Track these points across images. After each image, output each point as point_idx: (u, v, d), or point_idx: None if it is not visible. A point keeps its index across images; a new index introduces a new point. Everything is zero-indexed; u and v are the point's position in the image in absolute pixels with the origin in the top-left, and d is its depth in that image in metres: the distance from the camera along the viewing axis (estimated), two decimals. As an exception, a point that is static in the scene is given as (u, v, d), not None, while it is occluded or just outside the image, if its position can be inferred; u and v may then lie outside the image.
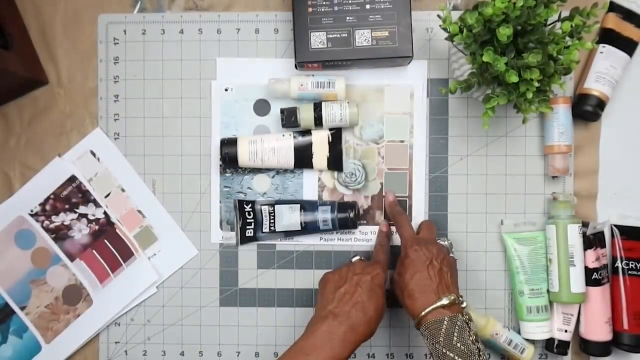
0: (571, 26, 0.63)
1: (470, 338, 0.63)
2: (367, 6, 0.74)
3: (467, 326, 0.63)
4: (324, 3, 0.74)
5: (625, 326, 0.75)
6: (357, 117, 0.77)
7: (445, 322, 0.63)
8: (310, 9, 0.74)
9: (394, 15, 0.74)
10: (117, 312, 0.79)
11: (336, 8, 0.74)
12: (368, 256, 0.79)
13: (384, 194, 0.79)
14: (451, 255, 0.73)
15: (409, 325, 0.80)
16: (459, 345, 0.62)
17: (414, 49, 0.74)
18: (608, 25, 0.77)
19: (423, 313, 0.65)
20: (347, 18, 0.74)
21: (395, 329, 0.80)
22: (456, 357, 0.61)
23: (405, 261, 0.69)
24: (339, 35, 0.73)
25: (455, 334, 0.62)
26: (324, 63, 0.75)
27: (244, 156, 0.76)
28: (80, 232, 0.80)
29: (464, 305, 0.66)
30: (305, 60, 0.74)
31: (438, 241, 0.72)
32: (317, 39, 0.73)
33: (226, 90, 0.80)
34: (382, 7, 0.74)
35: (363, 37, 0.74)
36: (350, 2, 0.74)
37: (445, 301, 0.64)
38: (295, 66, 0.77)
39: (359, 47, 0.74)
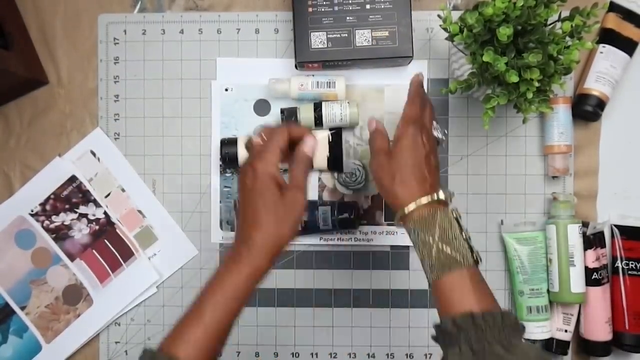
0: (571, 26, 0.63)
1: (463, 235, 0.57)
2: (367, 6, 0.74)
3: (458, 223, 0.58)
4: (324, 3, 0.74)
5: (626, 326, 0.75)
6: (357, 117, 0.77)
7: (438, 215, 0.57)
8: (310, 9, 0.74)
9: (394, 15, 0.74)
10: (117, 312, 0.79)
11: (336, 8, 0.74)
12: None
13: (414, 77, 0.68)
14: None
15: (409, 326, 0.80)
16: (453, 240, 0.56)
17: (414, 49, 0.74)
18: (608, 25, 0.77)
19: (414, 205, 0.58)
20: (347, 18, 0.74)
21: (395, 329, 0.80)
22: (452, 252, 0.55)
23: (403, 143, 0.61)
24: (339, 35, 0.74)
25: (450, 229, 0.57)
26: (324, 63, 0.75)
27: (244, 156, 0.76)
28: (81, 232, 0.80)
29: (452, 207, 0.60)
30: (305, 60, 0.74)
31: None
32: (317, 39, 0.74)
33: (226, 90, 0.80)
34: (382, 7, 0.74)
35: (363, 37, 0.74)
36: (350, 2, 0.74)
37: (442, 196, 0.59)
38: (296, 66, 0.77)
39: (359, 47, 0.74)
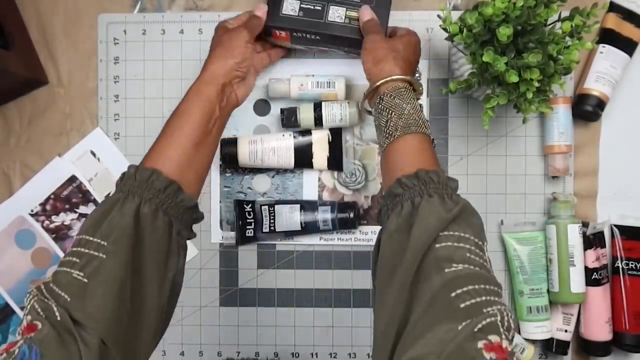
0: (571, 26, 0.63)
1: (427, 122, 0.60)
2: None
3: (420, 107, 0.62)
4: None
5: (626, 326, 0.75)
6: (357, 117, 0.77)
7: (412, 93, 0.61)
8: None
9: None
10: (117, 312, 0.79)
11: None
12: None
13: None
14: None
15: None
16: (421, 114, 0.60)
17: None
18: (608, 25, 0.77)
19: (399, 77, 0.61)
20: None
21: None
22: (420, 120, 0.58)
23: (409, 37, 0.67)
24: (312, 7, 0.71)
25: (420, 108, 0.60)
26: (293, 34, 0.72)
27: (244, 156, 0.76)
28: (81, 232, 0.80)
29: None
30: (274, 24, 0.71)
31: None
32: (290, 6, 0.71)
33: (226, 90, 0.80)
34: None
35: (336, 14, 0.71)
36: None
37: (418, 85, 0.63)
38: (265, 33, 0.73)
39: (330, 22, 0.71)
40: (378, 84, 0.62)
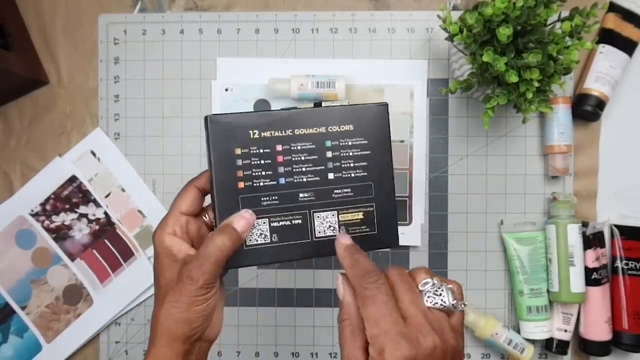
0: (571, 26, 0.63)
1: None
2: (330, 175, 0.51)
3: None
4: (262, 173, 0.50)
5: (625, 326, 0.75)
6: (357, 117, 0.77)
7: None
8: (240, 184, 0.50)
9: (369, 187, 0.52)
10: (117, 312, 0.80)
11: (283, 180, 0.50)
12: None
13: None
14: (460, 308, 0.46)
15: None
16: None
17: (413, 50, 0.74)
18: (608, 25, 0.77)
19: None
20: (301, 195, 0.51)
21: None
22: None
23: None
24: (289, 223, 0.51)
25: None
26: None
27: (244, 156, 0.76)
28: (81, 232, 0.80)
29: None
30: (237, 265, 0.50)
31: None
32: (256, 232, 0.50)
33: (226, 90, 0.80)
34: (352, 174, 0.51)
35: (326, 223, 0.51)
36: (304, 168, 0.51)
37: None
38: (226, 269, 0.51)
39: (320, 239, 0.51)
40: None
